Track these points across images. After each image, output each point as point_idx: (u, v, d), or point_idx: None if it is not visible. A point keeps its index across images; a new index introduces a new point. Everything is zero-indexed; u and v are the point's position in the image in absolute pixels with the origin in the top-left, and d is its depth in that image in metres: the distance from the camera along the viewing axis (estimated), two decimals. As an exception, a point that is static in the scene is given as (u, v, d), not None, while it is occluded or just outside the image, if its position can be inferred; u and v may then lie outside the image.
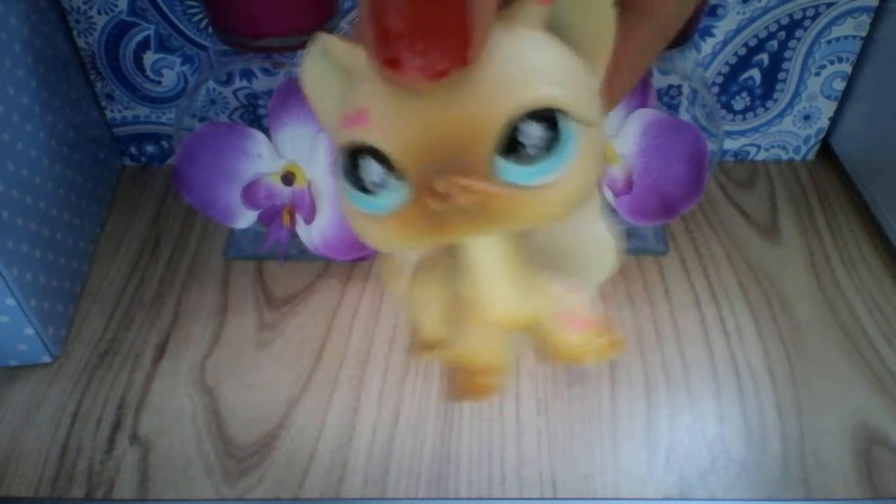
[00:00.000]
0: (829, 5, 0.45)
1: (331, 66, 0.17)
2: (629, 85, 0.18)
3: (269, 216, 0.42)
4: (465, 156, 0.14)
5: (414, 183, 0.15)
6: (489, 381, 0.18)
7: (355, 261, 0.46)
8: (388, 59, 0.14)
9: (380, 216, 0.15)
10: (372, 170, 0.15)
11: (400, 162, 0.15)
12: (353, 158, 0.15)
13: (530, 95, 0.14)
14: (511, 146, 0.14)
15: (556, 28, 0.16)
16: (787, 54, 0.48)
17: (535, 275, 0.18)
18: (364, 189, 0.15)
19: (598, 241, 0.19)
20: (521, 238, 0.18)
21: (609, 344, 0.18)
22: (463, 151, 0.14)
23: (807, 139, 0.52)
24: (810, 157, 0.53)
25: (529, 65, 0.15)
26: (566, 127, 0.15)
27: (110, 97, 0.50)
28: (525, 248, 0.18)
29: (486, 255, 0.17)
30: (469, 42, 0.14)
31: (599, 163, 0.16)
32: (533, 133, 0.14)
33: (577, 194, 0.15)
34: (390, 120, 0.15)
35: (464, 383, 0.18)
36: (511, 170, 0.15)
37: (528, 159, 0.15)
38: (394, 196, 0.15)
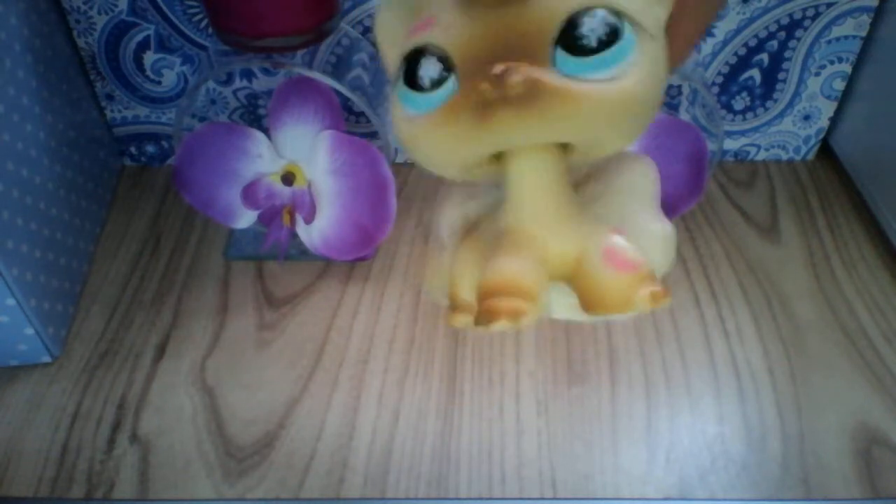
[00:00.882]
0: (829, 5, 0.45)
1: (398, 15, 0.17)
2: (693, 37, 0.18)
3: (269, 216, 0.42)
4: (522, 47, 0.15)
5: (468, 74, 0.15)
6: (519, 305, 0.16)
7: (355, 261, 0.46)
8: None
9: (431, 115, 0.16)
10: (431, 67, 0.16)
11: (459, 56, 0.15)
12: (413, 64, 0.16)
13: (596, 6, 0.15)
14: (570, 43, 0.15)
15: None
16: (787, 54, 0.48)
17: (584, 210, 0.18)
18: (420, 89, 0.16)
19: (656, 236, 0.19)
20: (570, 173, 0.18)
21: (653, 294, 0.17)
22: (520, 44, 0.15)
23: (807, 139, 0.52)
24: (810, 157, 0.53)
25: None
26: (625, 28, 0.15)
27: (110, 97, 0.50)
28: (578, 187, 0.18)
29: (535, 177, 0.17)
30: None
31: (658, 84, 0.16)
32: (592, 27, 0.15)
33: (631, 104, 0.15)
34: (454, 22, 0.15)
35: (492, 305, 0.16)
36: (568, 61, 0.15)
37: (585, 52, 0.15)
38: (448, 90, 0.15)
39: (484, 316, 0.17)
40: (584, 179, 0.20)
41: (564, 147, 0.17)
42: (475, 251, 0.18)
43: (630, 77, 0.15)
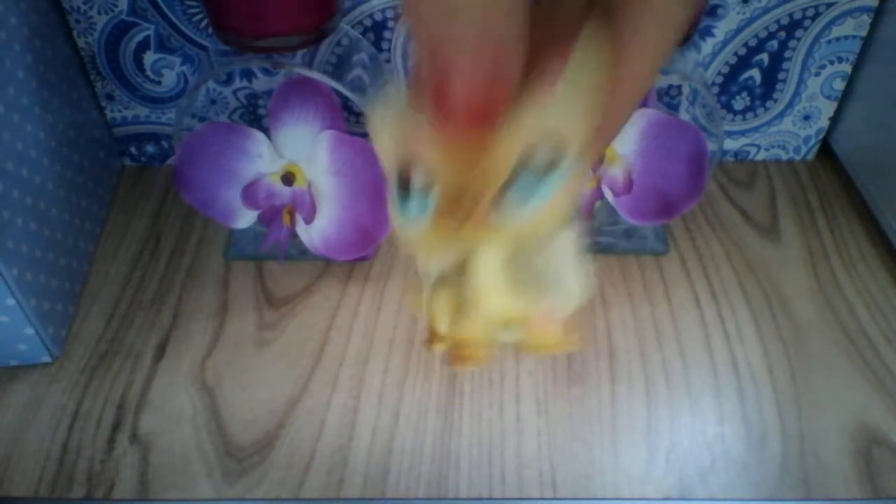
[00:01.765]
0: (829, 5, 0.45)
1: (392, 120, 0.21)
2: (621, 122, 0.20)
3: (269, 216, 0.42)
4: (485, 185, 0.19)
5: (445, 203, 0.19)
6: (478, 353, 0.23)
7: (355, 261, 0.46)
8: (444, 127, 0.18)
9: (419, 222, 0.20)
10: (418, 188, 0.20)
11: (438, 186, 0.19)
12: (406, 182, 0.20)
13: (542, 145, 0.18)
14: (519, 187, 0.18)
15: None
16: (787, 54, 0.48)
17: (525, 289, 0.22)
18: (411, 202, 0.20)
19: (568, 277, 0.23)
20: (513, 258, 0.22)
21: (562, 340, 0.22)
22: (483, 183, 0.19)
23: (807, 139, 0.52)
24: (810, 157, 0.53)
25: (544, 123, 0.18)
26: (564, 166, 0.18)
27: (110, 97, 0.50)
28: (515, 267, 0.22)
29: (488, 267, 0.22)
30: (505, 113, 0.18)
31: (579, 190, 0.20)
32: (537, 173, 0.18)
33: (559, 216, 0.19)
34: (434, 157, 0.19)
35: (459, 353, 0.23)
36: (517, 197, 0.18)
37: (529, 191, 0.18)
38: (430, 207, 0.20)
39: (457, 362, 0.23)
40: None
41: None
42: (447, 301, 0.23)
43: (561, 198, 0.18)
